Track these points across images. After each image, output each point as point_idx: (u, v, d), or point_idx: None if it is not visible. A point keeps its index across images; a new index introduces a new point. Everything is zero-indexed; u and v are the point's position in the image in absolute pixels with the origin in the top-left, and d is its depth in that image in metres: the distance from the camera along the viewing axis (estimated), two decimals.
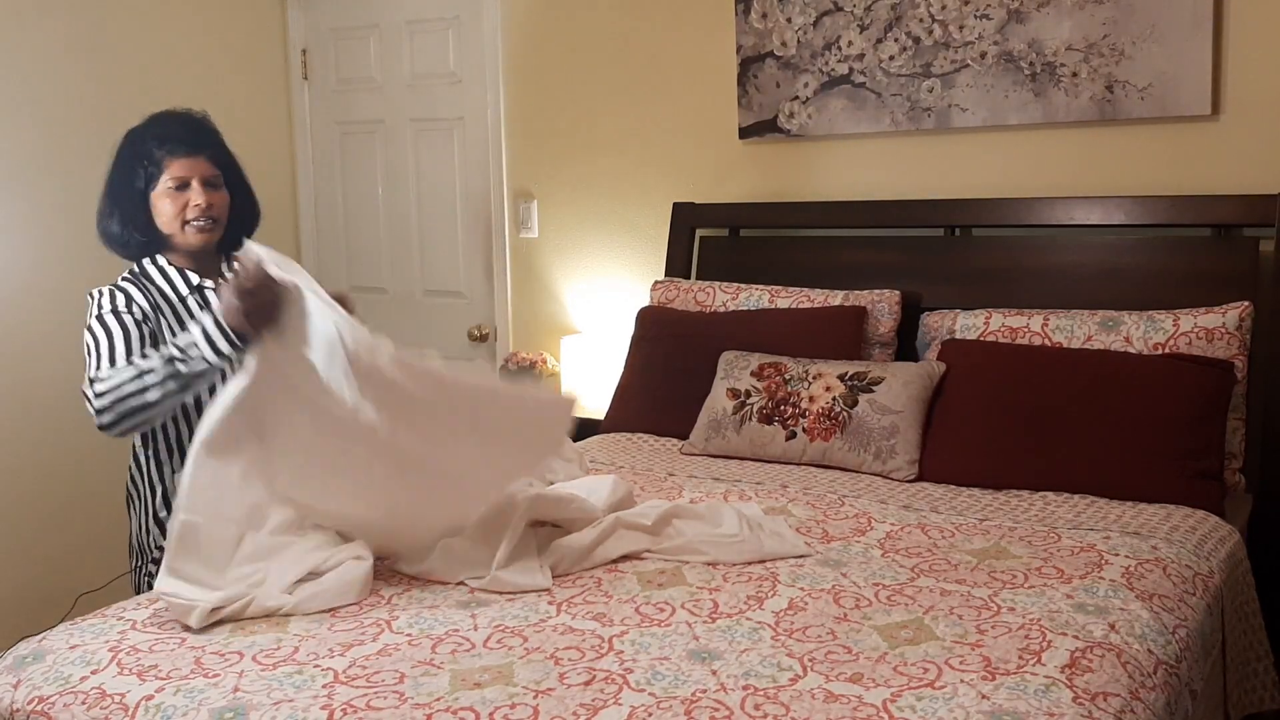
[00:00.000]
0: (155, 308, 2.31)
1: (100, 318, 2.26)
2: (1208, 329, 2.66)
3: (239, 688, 1.68)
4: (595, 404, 3.67)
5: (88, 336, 2.26)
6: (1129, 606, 1.89)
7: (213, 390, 2.25)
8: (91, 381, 2.16)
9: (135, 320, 2.26)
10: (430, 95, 4.26)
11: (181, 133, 2.35)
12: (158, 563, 2.33)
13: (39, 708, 1.69)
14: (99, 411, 2.13)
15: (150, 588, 2.32)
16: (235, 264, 2.03)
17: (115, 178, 2.36)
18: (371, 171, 4.44)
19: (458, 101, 4.19)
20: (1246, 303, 2.70)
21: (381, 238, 4.45)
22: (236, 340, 2.02)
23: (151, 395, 2.10)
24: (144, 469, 2.37)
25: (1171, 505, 2.45)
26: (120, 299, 2.29)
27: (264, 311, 1.98)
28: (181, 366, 2.08)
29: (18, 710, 1.71)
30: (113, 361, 2.20)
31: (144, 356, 2.16)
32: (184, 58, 4.10)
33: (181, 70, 4.07)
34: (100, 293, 2.31)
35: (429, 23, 4.21)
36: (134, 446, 2.40)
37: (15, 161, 3.66)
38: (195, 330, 2.07)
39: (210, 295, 2.36)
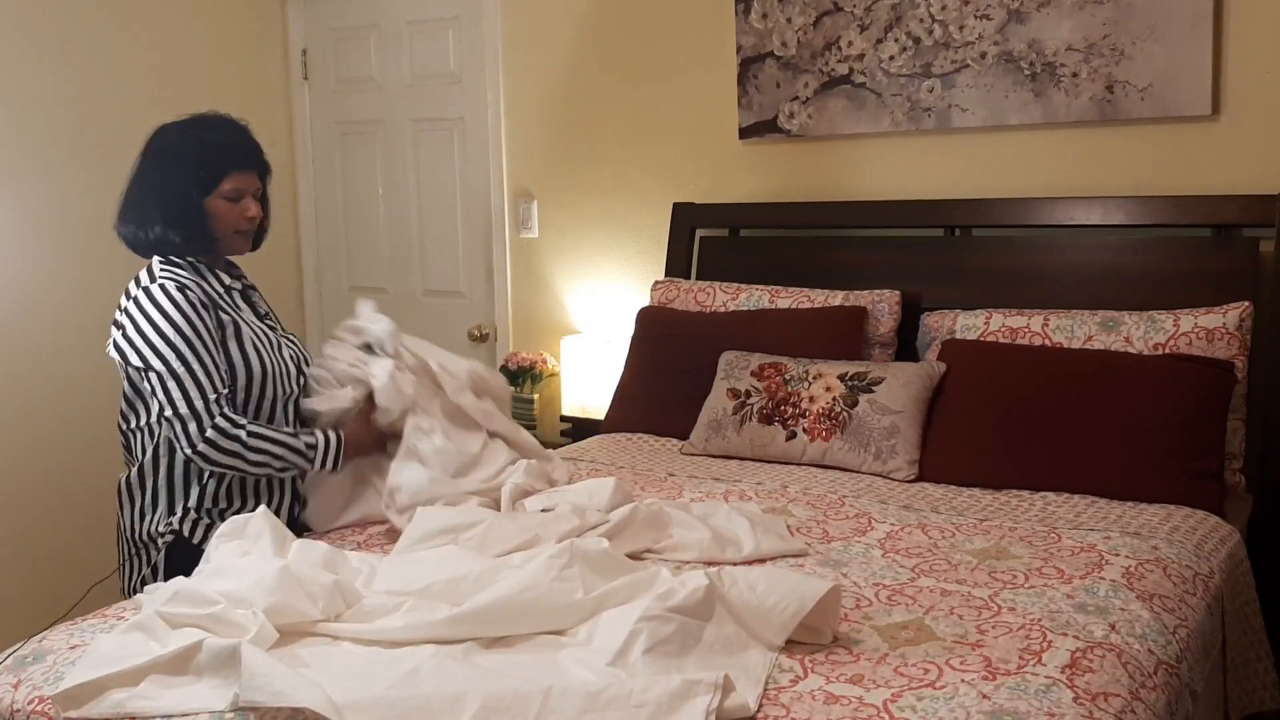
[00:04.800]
0: (206, 303, 2.32)
1: (175, 326, 2.24)
2: (1208, 329, 2.66)
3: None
4: (595, 404, 3.67)
5: (164, 346, 2.23)
6: (1129, 607, 1.89)
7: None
8: (218, 416, 2.25)
9: (210, 323, 2.29)
10: (430, 95, 4.26)
11: (243, 145, 2.39)
12: (177, 535, 2.34)
13: (39, 708, 1.69)
14: (235, 452, 2.26)
15: (157, 577, 2.32)
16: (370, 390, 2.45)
17: (160, 180, 2.34)
18: (371, 171, 4.44)
19: (458, 101, 4.19)
20: (1246, 303, 2.70)
21: (381, 238, 4.45)
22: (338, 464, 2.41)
23: (275, 465, 2.33)
24: (145, 461, 2.36)
25: (1172, 505, 2.45)
26: (192, 296, 2.27)
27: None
28: (301, 460, 2.36)
29: (18, 710, 1.71)
30: (228, 389, 2.29)
31: (291, 434, 2.36)
32: (184, 58, 4.10)
33: (181, 70, 4.07)
34: (163, 291, 2.26)
35: (429, 23, 4.21)
36: (129, 435, 2.40)
37: (15, 161, 3.66)
38: (320, 439, 2.37)
39: (253, 319, 2.44)
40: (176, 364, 2.23)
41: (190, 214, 2.33)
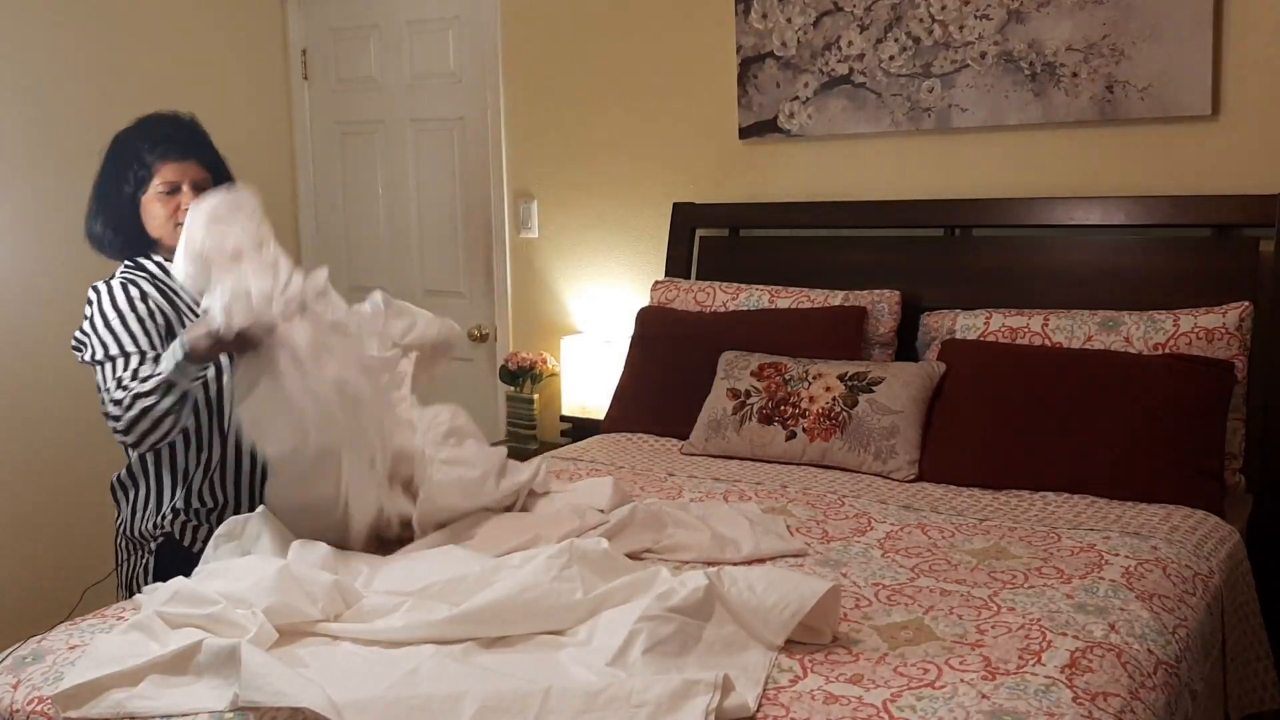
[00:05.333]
0: (166, 297, 2.31)
1: (106, 319, 2.23)
2: (1208, 329, 2.66)
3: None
4: (595, 404, 3.67)
5: (96, 339, 2.22)
6: (1129, 606, 1.89)
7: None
8: (118, 387, 2.15)
9: (147, 313, 2.25)
10: (430, 95, 4.26)
11: (172, 136, 2.36)
12: (167, 537, 2.32)
13: (39, 708, 1.69)
14: (119, 417, 2.13)
15: (149, 578, 2.31)
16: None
17: (104, 181, 2.37)
18: (371, 171, 4.44)
19: (458, 101, 4.19)
20: (1246, 303, 2.70)
21: (381, 238, 4.45)
22: (193, 362, 2.09)
23: (168, 400, 2.11)
24: (133, 459, 2.36)
25: (1171, 505, 2.44)
26: (133, 291, 2.27)
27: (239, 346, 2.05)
28: (175, 374, 2.10)
29: (18, 710, 1.71)
30: (141, 362, 2.18)
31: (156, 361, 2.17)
32: (184, 58, 4.10)
33: (181, 70, 4.07)
34: (107, 287, 2.29)
35: (429, 23, 4.21)
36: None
37: (15, 161, 3.66)
38: (164, 356, 2.13)
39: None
40: (100, 354, 2.22)
41: (124, 213, 2.33)
